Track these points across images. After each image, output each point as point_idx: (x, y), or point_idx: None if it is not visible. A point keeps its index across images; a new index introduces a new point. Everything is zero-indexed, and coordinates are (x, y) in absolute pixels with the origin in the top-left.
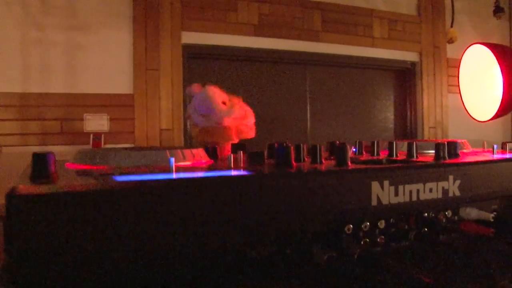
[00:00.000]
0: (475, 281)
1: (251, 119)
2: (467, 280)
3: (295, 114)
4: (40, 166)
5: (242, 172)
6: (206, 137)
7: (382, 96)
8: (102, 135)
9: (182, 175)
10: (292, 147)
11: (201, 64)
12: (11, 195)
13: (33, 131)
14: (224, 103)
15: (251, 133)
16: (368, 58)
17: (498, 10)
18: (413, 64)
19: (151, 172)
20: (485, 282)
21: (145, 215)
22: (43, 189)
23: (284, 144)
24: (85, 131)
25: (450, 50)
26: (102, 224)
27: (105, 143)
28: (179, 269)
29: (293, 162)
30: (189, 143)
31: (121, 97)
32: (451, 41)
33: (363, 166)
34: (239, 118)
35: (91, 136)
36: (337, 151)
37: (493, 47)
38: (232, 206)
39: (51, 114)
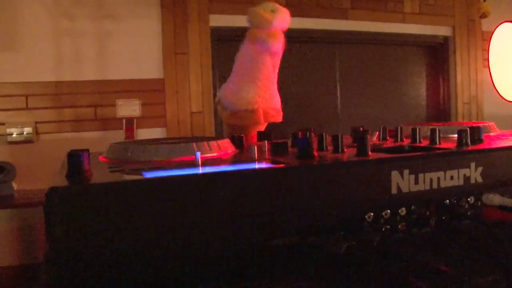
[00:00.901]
0: (492, 269)
1: (278, 102)
2: (484, 269)
3: (326, 93)
4: (75, 165)
5: (265, 165)
6: (235, 120)
7: (414, 72)
8: (135, 120)
9: (207, 169)
10: (314, 137)
11: (230, 47)
12: (50, 195)
13: (68, 118)
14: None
15: (278, 117)
16: (399, 35)
17: None
18: (446, 38)
19: (179, 167)
20: (501, 276)
21: (173, 208)
22: (79, 188)
23: (307, 134)
24: (117, 116)
25: (485, 23)
26: (133, 218)
27: (137, 128)
28: (206, 259)
29: (315, 152)
30: (220, 125)
31: (152, 82)
32: (483, 15)
33: (383, 156)
34: (268, 98)
35: (124, 121)
36: (358, 140)
37: None
38: (256, 198)
39: (84, 101)
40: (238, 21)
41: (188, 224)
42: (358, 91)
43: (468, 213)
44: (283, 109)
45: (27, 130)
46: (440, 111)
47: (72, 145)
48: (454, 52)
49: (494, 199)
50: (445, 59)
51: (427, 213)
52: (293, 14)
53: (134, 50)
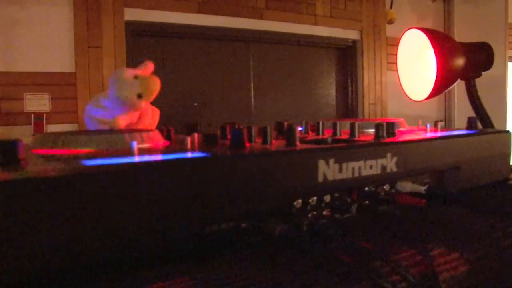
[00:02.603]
0: (409, 246)
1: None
2: (401, 245)
3: (239, 91)
4: (10, 153)
5: (201, 154)
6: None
7: (325, 73)
8: (44, 115)
9: (146, 158)
10: (244, 129)
11: (145, 42)
12: None
13: None
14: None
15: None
16: (311, 36)
17: None
18: (354, 42)
19: (114, 155)
20: (418, 246)
21: (113, 196)
22: (16, 175)
23: (237, 126)
24: (25, 111)
25: (389, 29)
26: (72, 205)
27: (47, 123)
28: (143, 245)
29: (247, 143)
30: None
31: (63, 75)
32: (390, 22)
33: (310, 146)
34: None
35: (32, 116)
36: (287, 132)
37: (427, 31)
38: (193, 186)
39: None
40: (154, 16)
41: (126, 211)
42: (271, 89)
43: (385, 199)
44: (199, 104)
45: None
46: (349, 110)
47: None
48: (362, 55)
49: (406, 186)
50: (354, 62)
51: (349, 199)
52: (207, 12)
53: (44, 41)
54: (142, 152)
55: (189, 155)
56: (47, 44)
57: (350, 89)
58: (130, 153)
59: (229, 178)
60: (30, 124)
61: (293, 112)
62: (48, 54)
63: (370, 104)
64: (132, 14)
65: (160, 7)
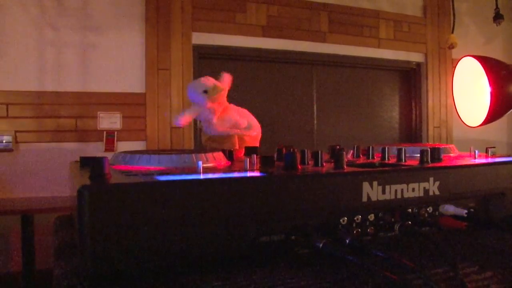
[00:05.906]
0: (442, 266)
1: (254, 131)
2: (436, 265)
3: (302, 113)
4: (99, 168)
5: (257, 174)
6: (212, 144)
7: (388, 96)
8: (115, 133)
9: (210, 175)
10: (297, 152)
11: (211, 64)
12: (84, 190)
13: (48, 128)
14: (205, 91)
15: (254, 143)
16: (374, 59)
17: (497, 17)
18: (418, 64)
19: (183, 173)
20: (450, 268)
21: (180, 206)
22: (108, 186)
23: (291, 149)
24: (98, 128)
25: (455, 52)
26: (150, 213)
27: (117, 140)
28: (207, 250)
29: (299, 165)
30: (199, 142)
31: (134, 95)
32: (451, 46)
33: (356, 169)
34: (234, 127)
35: (105, 133)
36: (335, 156)
37: (482, 59)
38: (249, 201)
39: (65, 112)
40: (220, 39)
41: (191, 220)
42: (334, 111)
43: (428, 221)
44: (262, 125)
45: (6, 138)
46: (412, 133)
47: (51, 155)
48: (426, 78)
49: (449, 209)
50: (417, 84)
51: (392, 219)
52: (272, 35)
53: (117, 64)
54: (205, 170)
55: (247, 174)
56: (119, 66)
57: (413, 112)
58: (196, 171)
59: (281, 196)
60: (102, 140)
61: (356, 134)
62: (121, 76)
63: (434, 127)
64: (200, 38)
65: (226, 31)
